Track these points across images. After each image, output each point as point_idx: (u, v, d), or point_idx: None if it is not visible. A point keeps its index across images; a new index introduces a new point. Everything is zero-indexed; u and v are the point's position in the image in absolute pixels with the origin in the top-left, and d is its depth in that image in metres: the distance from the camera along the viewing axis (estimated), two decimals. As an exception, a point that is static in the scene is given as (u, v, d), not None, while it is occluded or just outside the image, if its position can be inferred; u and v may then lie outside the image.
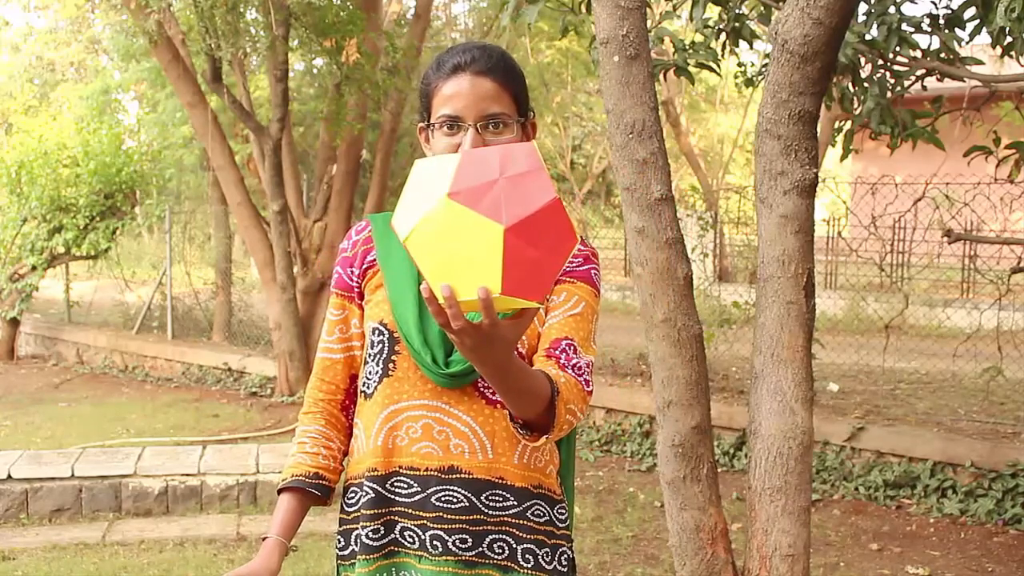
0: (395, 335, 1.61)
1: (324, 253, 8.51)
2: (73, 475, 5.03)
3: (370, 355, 1.65)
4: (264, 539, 1.62)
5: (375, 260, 1.69)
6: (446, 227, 1.17)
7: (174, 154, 11.60)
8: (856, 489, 5.44)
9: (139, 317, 10.39)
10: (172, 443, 6.40)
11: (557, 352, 1.59)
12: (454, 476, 1.57)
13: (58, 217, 10.02)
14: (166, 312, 10.13)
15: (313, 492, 1.65)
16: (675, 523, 3.01)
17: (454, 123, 1.57)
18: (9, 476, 4.98)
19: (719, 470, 3.50)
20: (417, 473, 1.58)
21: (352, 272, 1.71)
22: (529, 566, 1.60)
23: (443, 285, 1.17)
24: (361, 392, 1.67)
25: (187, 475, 5.15)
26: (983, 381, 6.08)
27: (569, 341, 1.60)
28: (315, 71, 11.27)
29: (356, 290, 1.70)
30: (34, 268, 10.16)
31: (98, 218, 10.08)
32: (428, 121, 1.63)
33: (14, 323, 10.47)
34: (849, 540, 4.78)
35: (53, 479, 5.01)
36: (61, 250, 10.11)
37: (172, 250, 10.43)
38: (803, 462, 2.72)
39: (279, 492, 1.66)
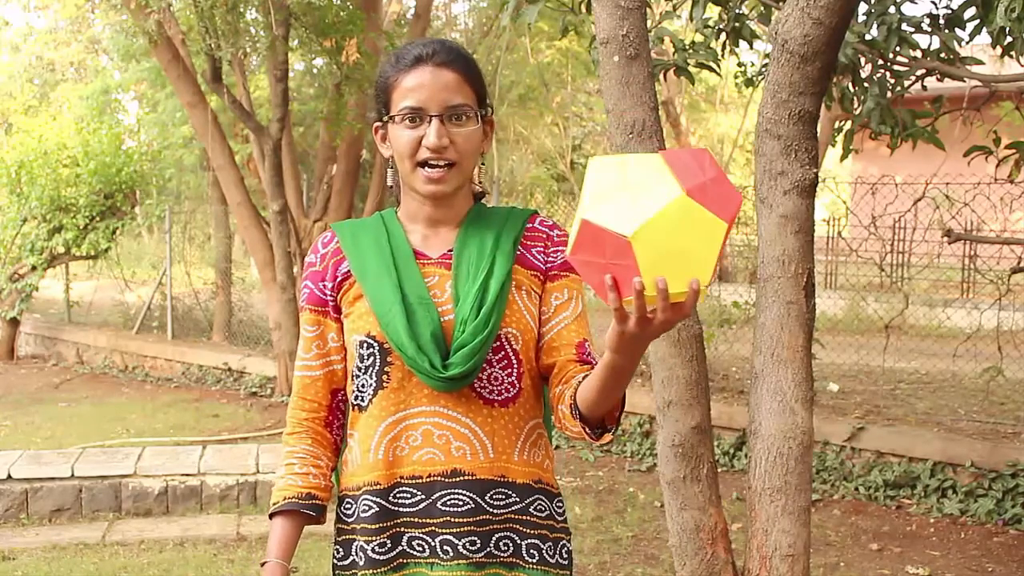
0: (385, 346, 1.58)
1: (324, 253, 8.49)
2: (73, 475, 5.03)
3: (360, 368, 1.61)
4: (264, 564, 1.61)
5: (349, 272, 1.64)
6: (677, 223, 1.20)
7: (174, 154, 11.60)
8: (856, 489, 5.44)
9: (139, 317, 10.39)
10: (172, 443, 6.40)
11: (586, 356, 1.62)
12: (458, 479, 1.57)
13: (58, 217, 10.02)
14: (166, 312, 10.13)
15: (307, 513, 1.63)
16: (675, 523, 3.01)
17: (416, 115, 1.56)
18: (9, 476, 4.98)
19: (719, 470, 3.50)
20: (420, 481, 1.57)
21: (324, 286, 1.66)
22: (534, 561, 1.60)
23: (658, 278, 1.20)
24: (354, 405, 1.64)
25: (187, 475, 5.14)
26: (983, 381, 6.07)
27: (586, 341, 1.64)
28: (315, 71, 11.27)
29: (331, 304, 1.66)
30: (34, 268, 10.16)
31: (98, 218, 10.08)
32: (387, 117, 1.61)
33: (14, 323, 10.47)
34: (849, 540, 4.78)
35: (53, 479, 5.01)
36: (61, 250, 10.11)
37: (172, 250, 10.43)
38: (803, 462, 2.72)
39: (271, 516, 1.64)
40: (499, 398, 1.59)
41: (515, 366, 1.60)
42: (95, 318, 11.31)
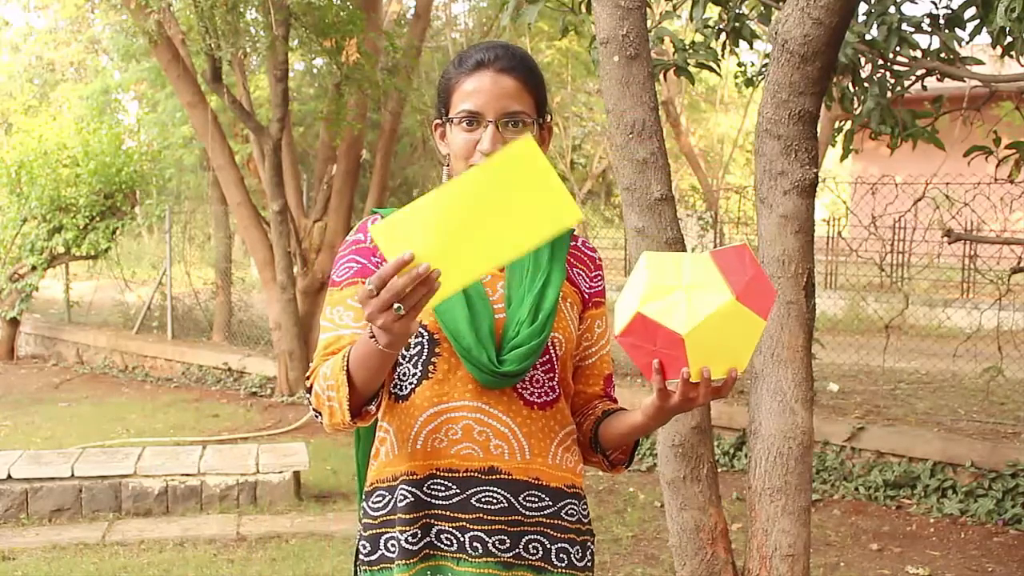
0: (436, 336, 1.58)
1: (324, 253, 8.50)
2: (73, 475, 5.03)
3: (404, 356, 1.60)
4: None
5: None
6: (725, 323, 1.38)
7: (174, 154, 11.59)
8: (856, 489, 5.44)
9: (139, 317, 10.39)
10: (172, 443, 6.40)
11: (611, 391, 1.75)
12: (494, 477, 1.57)
13: (58, 217, 10.01)
14: (166, 312, 10.13)
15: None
16: (675, 523, 3.01)
17: (473, 119, 1.57)
18: (9, 476, 4.97)
19: (719, 470, 3.50)
20: (456, 475, 1.57)
21: (377, 262, 1.59)
22: (563, 565, 1.62)
23: (704, 368, 1.40)
24: (391, 394, 1.63)
25: (187, 475, 5.14)
26: (983, 381, 6.07)
27: (612, 375, 1.76)
28: (315, 71, 11.28)
29: None
30: (34, 268, 10.15)
31: (98, 218, 10.08)
32: (446, 117, 1.63)
33: (14, 323, 10.47)
34: (849, 540, 4.78)
35: (53, 479, 5.01)
36: (61, 250, 10.10)
37: (172, 250, 10.43)
38: (803, 462, 2.72)
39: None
40: (539, 400, 1.61)
41: (556, 371, 1.63)
42: (95, 318, 11.30)
